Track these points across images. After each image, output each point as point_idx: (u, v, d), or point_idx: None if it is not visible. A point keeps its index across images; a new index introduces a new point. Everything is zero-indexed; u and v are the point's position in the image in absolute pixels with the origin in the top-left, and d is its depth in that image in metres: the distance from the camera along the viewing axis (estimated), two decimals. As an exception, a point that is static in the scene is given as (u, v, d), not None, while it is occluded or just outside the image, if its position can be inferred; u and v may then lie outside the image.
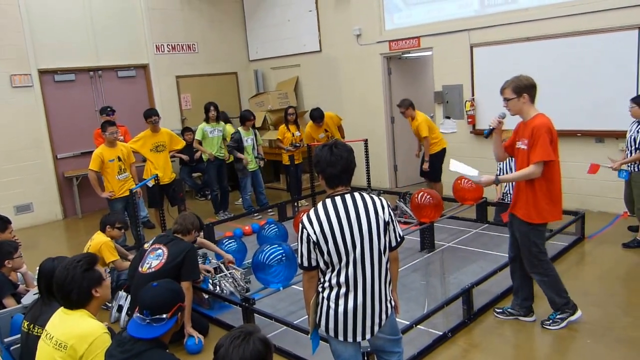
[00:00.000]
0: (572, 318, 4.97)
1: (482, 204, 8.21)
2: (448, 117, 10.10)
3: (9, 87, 10.20)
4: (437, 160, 9.23)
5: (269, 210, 9.80)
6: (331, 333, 3.34)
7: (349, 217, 3.20)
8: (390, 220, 3.31)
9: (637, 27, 7.61)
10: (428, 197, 7.40)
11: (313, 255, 3.25)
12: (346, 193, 3.28)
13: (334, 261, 3.22)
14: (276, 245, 5.73)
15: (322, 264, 3.26)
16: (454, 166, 4.94)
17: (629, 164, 6.78)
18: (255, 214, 9.77)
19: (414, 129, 9.11)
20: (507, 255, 5.33)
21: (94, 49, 11.24)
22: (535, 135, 4.57)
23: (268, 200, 10.28)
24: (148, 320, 2.91)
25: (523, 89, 4.67)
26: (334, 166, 3.25)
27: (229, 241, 7.12)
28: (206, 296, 6.05)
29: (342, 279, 3.22)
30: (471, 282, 5.43)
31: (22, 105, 10.37)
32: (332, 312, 3.28)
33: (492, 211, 8.36)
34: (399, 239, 3.40)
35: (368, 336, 3.35)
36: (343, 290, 3.24)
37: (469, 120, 9.71)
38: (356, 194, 3.29)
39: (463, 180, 8.01)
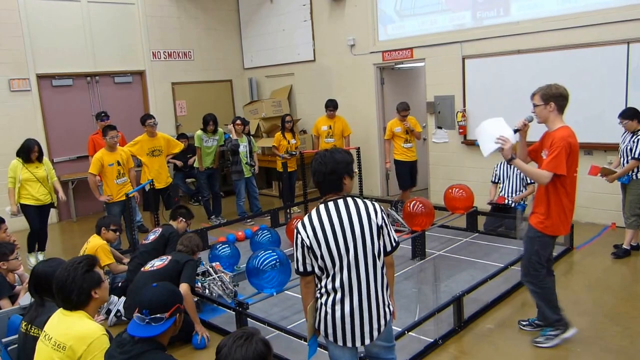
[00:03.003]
0: (565, 335, 4.91)
1: (472, 213, 8.31)
2: (440, 127, 10.20)
3: (7, 91, 10.28)
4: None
5: (265, 215, 9.87)
6: (330, 338, 3.37)
7: (341, 222, 3.24)
8: (383, 224, 3.34)
9: (626, 42, 7.74)
10: (420, 205, 7.49)
11: (308, 261, 3.30)
12: (339, 198, 3.32)
13: (327, 266, 3.26)
14: (270, 251, 5.77)
15: (317, 269, 3.30)
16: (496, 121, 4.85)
17: (630, 172, 6.86)
18: (248, 220, 9.84)
19: (412, 125, 9.41)
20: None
21: (91, 54, 11.31)
22: (554, 146, 4.53)
23: (261, 206, 10.34)
24: (147, 320, 2.94)
25: (551, 97, 4.61)
26: (320, 172, 3.32)
27: (223, 246, 7.20)
28: (195, 299, 6.12)
29: (338, 283, 3.26)
30: (462, 290, 5.47)
31: (20, 109, 10.44)
32: (329, 317, 3.32)
33: (482, 220, 8.45)
34: (394, 244, 3.42)
35: (367, 341, 3.37)
36: (339, 295, 3.27)
37: (460, 130, 9.81)
38: (349, 199, 3.32)
39: (454, 189, 8.12)
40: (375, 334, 3.38)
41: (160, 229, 6.50)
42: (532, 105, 4.75)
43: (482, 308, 5.68)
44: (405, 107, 9.34)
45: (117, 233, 6.90)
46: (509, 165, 8.20)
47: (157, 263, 5.52)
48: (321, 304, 3.36)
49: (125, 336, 3.00)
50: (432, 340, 5.06)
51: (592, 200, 8.35)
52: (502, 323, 5.45)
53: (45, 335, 3.27)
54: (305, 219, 3.32)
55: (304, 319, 5.70)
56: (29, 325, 3.80)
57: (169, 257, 5.54)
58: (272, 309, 6.08)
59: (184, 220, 6.73)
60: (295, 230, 3.35)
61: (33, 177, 7.91)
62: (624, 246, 7.02)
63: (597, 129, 8.03)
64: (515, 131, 4.81)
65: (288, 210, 9.92)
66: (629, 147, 6.75)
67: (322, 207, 3.32)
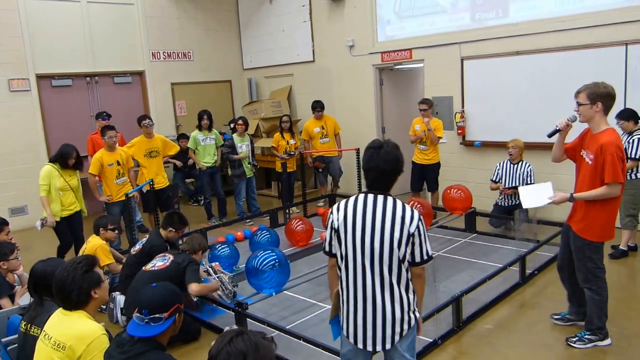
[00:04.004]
0: (601, 343, 4.84)
1: (470, 213, 8.34)
2: (439, 128, 10.22)
3: (7, 91, 10.29)
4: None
5: (265, 215, 9.90)
6: (351, 338, 3.33)
7: (374, 217, 3.18)
8: (416, 233, 3.19)
9: (624, 43, 7.76)
10: (418, 206, 7.52)
11: (333, 242, 3.32)
12: (379, 194, 3.25)
13: (348, 255, 3.24)
14: (269, 251, 5.79)
15: (339, 257, 3.31)
16: (527, 201, 4.88)
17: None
18: (248, 220, 9.86)
19: (434, 127, 9.01)
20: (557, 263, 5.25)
21: (91, 55, 11.33)
22: (605, 153, 4.36)
23: (260, 206, 10.37)
24: (147, 320, 2.95)
25: (599, 96, 4.43)
26: (381, 169, 3.24)
27: (222, 246, 7.24)
28: (195, 299, 6.14)
29: (360, 282, 3.23)
30: (461, 290, 5.47)
31: (20, 109, 10.45)
32: (351, 316, 3.29)
33: (481, 221, 8.50)
34: (425, 257, 3.25)
35: (388, 346, 3.28)
36: (360, 294, 3.24)
37: (459, 131, 9.83)
38: (389, 198, 3.25)
39: (452, 190, 8.15)
40: (397, 338, 3.27)
41: (145, 239, 6.29)
42: (576, 103, 4.56)
43: (481, 308, 5.69)
44: (423, 100, 9.16)
45: (116, 232, 6.88)
46: (511, 165, 8.25)
47: (158, 263, 5.50)
48: (342, 301, 3.34)
49: (124, 336, 3.01)
50: (431, 340, 5.06)
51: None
52: (501, 323, 5.46)
53: (44, 335, 3.27)
54: (342, 202, 3.34)
55: (303, 319, 5.77)
56: (29, 325, 3.80)
57: (171, 258, 5.53)
58: (272, 309, 6.09)
59: (173, 230, 6.36)
60: (330, 210, 3.40)
61: (67, 186, 7.37)
62: (621, 247, 7.04)
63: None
64: (556, 131, 4.76)
65: (287, 211, 9.93)
66: (624, 148, 6.77)
67: (361, 196, 3.29)
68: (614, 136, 4.46)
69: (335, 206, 3.35)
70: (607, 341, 4.89)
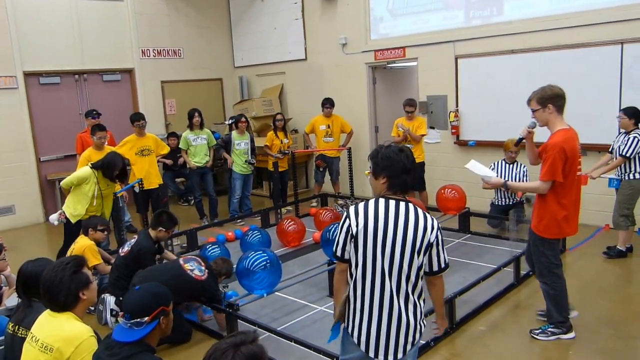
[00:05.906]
0: (564, 336, 4.96)
1: (464, 214, 8.29)
2: (432, 128, 10.15)
3: (-6, 88, 10.18)
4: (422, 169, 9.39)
5: (256, 215, 9.82)
6: (362, 346, 3.23)
7: (396, 224, 3.11)
8: (435, 243, 3.19)
9: (620, 42, 7.74)
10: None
11: (347, 248, 3.21)
12: (402, 200, 3.21)
13: (367, 262, 3.15)
14: (260, 252, 5.74)
15: (353, 263, 3.21)
16: (472, 165, 5.07)
17: (621, 173, 6.84)
18: (239, 220, 9.78)
19: (416, 127, 9.19)
20: None
21: (79, 52, 11.20)
22: (547, 154, 4.57)
23: (252, 206, 10.28)
24: (129, 324, 2.92)
25: (548, 99, 4.61)
26: (406, 169, 3.20)
27: (212, 247, 7.19)
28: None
29: (378, 289, 3.15)
30: (454, 291, 5.43)
31: (7, 107, 10.31)
32: (365, 323, 3.19)
33: (475, 222, 8.46)
34: (442, 266, 3.27)
35: (400, 355, 3.20)
36: (377, 302, 3.16)
37: (453, 130, 9.78)
38: (410, 205, 3.19)
39: (446, 189, 8.10)
40: (409, 347, 3.22)
41: (134, 240, 6.11)
42: (531, 110, 4.76)
43: (474, 310, 5.64)
44: (409, 102, 9.24)
45: (105, 233, 6.79)
46: (506, 165, 8.22)
47: (196, 271, 5.40)
48: (355, 308, 3.24)
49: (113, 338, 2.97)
50: (424, 342, 4.98)
51: (585, 201, 8.18)
52: (495, 325, 5.42)
53: (32, 337, 3.23)
54: (360, 206, 3.21)
55: (294, 320, 5.70)
56: (17, 327, 3.73)
57: (206, 274, 5.44)
58: (263, 310, 6.03)
59: (163, 230, 6.19)
60: (344, 214, 3.26)
61: (100, 194, 7.08)
62: (619, 247, 7.00)
63: (591, 130, 7.96)
64: (521, 140, 4.99)
65: (279, 211, 9.86)
66: (619, 146, 6.74)
67: (381, 201, 3.19)
68: (563, 136, 4.61)
69: (352, 211, 3.22)
70: (571, 334, 5.00)
